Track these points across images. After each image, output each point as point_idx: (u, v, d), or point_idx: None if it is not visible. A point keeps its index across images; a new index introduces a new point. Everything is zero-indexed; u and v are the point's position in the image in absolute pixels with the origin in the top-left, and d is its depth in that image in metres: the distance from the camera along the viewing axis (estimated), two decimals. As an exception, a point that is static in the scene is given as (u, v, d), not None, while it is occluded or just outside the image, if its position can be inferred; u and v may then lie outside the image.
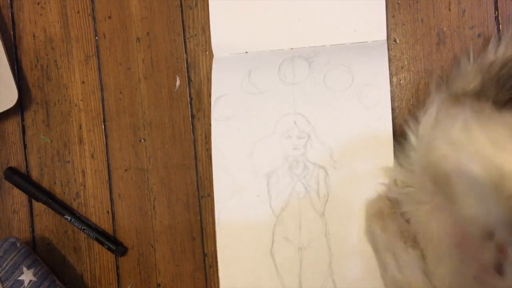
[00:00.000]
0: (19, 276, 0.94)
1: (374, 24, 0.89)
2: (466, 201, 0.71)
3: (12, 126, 1.03)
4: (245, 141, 0.92)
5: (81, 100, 1.00)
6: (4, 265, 0.94)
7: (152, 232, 0.98)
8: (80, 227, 0.99)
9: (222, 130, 0.94)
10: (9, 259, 0.94)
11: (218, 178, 0.94)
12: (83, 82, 1.00)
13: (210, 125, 0.94)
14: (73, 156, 1.01)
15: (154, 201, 0.98)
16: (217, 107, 0.94)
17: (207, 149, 0.95)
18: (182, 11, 0.96)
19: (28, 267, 0.95)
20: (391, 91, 0.88)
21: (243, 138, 0.92)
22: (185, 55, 0.96)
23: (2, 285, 0.93)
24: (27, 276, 0.94)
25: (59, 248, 1.02)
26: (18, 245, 0.96)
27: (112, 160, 0.99)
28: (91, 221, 1.00)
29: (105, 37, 0.99)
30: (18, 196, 1.03)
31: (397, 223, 0.83)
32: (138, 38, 0.98)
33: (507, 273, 0.69)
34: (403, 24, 0.88)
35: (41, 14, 1.01)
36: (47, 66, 1.01)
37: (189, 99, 0.96)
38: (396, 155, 0.85)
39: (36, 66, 1.02)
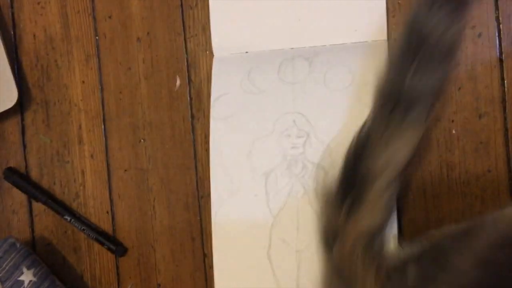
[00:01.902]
0: (19, 277, 0.94)
1: (374, 24, 0.89)
2: None
3: (12, 126, 1.03)
4: (244, 140, 0.92)
5: (81, 100, 1.00)
6: (4, 266, 0.94)
7: (152, 232, 0.98)
8: (80, 227, 1.00)
9: (221, 129, 0.93)
10: (9, 259, 0.94)
11: (215, 177, 0.94)
12: (83, 82, 1.00)
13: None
14: (72, 156, 1.01)
15: (154, 201, 0.98)
16: (216, 106, 0.94)
17: (206, 149, 0.95)
18: (182, 11, 0.96)
19: (28, 268, 0.95)
20: (391, 91, 0.88)
21: (241, 137, 0.92)
22: (185, 55, 0.96)
23: (2, 286, 0.93)
24: (27, 276, 0.94)
25: (59, 248, 1.02)
26: (18, 245, 0.96)
27: (111, 160, 1.00)
28: (90, 221, 1.01)
29: (105, 37, 0.99)
30: (17, 196, 1.04)
31: None
32: (138, 38, 0.98)
33: None
34: (404, 24, 0.88)
35: (41, 14, 1.02)
36: (47, 66, 1.01)
37: (189, 99, 0.96)
38: None
39: (36, 66, 1.02)
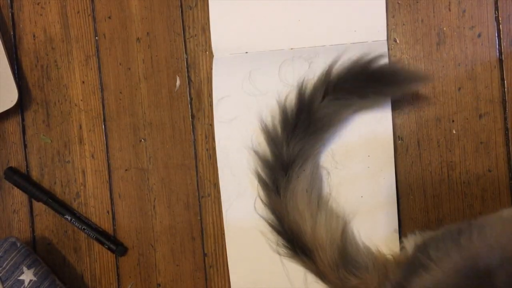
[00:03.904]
0: (19, 276, 0.94)
1: (374, 24, 0.89)
2: None
3: (12, 126, 1.03)
4: (248, 142, 0.92)
5: (81, 100, 1.00)
6: (4, 265, 0.94)
7: (152, 232, 0.98)
8: (80, 227, 0.99)
9: (225, 132, 0.94)
10: (9, 259, 0.94)
11: (223, 179, 0.95)
12: (83, 82, 1.00)
13: (210, 125, 0.95)
14: (73, 156, 1.01)
15: (154, 201, 0.98)
16: (219, 109, 0.94)
17: (207, 149, 0.95)
18: (182, 11, 0.96)
19: (28, 267, 0.95)
20: (391, 91, 0.88)
21: (246, 139, 0.93)
22: (185, 55, 0.96)
23: (3, 285, 0.93)
24: (27, 276, 0.94)
25: (59, 248, 1.02)
26: (18, 244, 0.96)
27: (112, 160, 0.99)
28: (91, 221, 1.01)
29: (105, 37, 0.99)
30: (18, 196, 1.04)
31: None
32: (138, 38, 0.98)
33: None
34: (403, 24, 0.88)
35: (41, 14, 1.01)
36: (47, 66, 1.01)
37: (189, 99, 0.96)
38: None
39: (36, 66, 1.02)
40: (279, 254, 0.91)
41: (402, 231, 0.88)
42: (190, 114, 0.96)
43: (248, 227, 0.93)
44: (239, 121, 0.93)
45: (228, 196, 0.95)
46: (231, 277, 0.95)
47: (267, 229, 0.91)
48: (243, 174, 0.94)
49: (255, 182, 0.92)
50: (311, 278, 0.89)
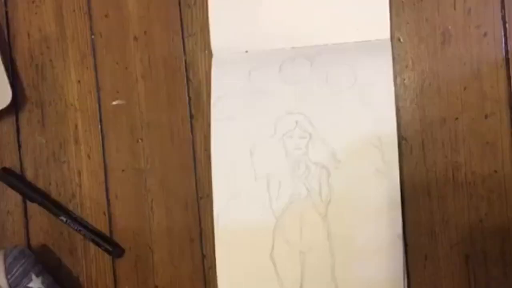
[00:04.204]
0: (28, 283, 0.93)
1: (377, 23, 0.88)
2: None
3: (6, 126, 1.02)
4: (246, 142, 0.92)
5: (77, 100, 1.00)
6: (14, 272, 0.93)
7: (149, 233, 0.98)
8: (76, 228, 0.99)
9: (222, 130, 0.93)
10: (18, 265, 0.93)
11: (217, 179, 0.93)
12: (79, 81, 0.99)
13: (209, 125, 0.94)
14: (68, 156, 1.00)
15: (151, 202, 0.97)
16: (217, 107, 0.93)
17: (206, 150, 0.95)
18: (180, 9, 0.95)
19: (37, 275, 0.94)
20: (395, 91, 0.87)
21: (243, 138, 0.92)
22: (183, 54, 0.96)
23: (12, 292, 0.93)
24: (35, 283, 0.93)
25: (55, 250, 1.02)
26: (26, 252, 0.96)
27: (109, 160, 0.99)
28: (87, 222, 1.00)
29: (101, 36, 0.99)
30: (12, 197, 1.03)
31: None
32: (135, 37, 0.97)
33: None
34: (408, 23, 0.88)
35: (36, 13, 1.01)
36: (42, 66, 1.01)
37: (187, 99, 0.95)
38: None
39: (31, 65, 1.01)
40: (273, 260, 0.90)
41: (406, 233, 0.87)
42: (189, 114, 0.95)
43: (242, 232, 0.92)
44: (237, 120, 0.92)
45: (221, 198, 0.93)
46: (219, 283, 0.93)
47: (263, 234, 0.90)
48: (238, 174, 0.92)
49: (251, 183, 0.91)
50: (306, 286, 0.88)
